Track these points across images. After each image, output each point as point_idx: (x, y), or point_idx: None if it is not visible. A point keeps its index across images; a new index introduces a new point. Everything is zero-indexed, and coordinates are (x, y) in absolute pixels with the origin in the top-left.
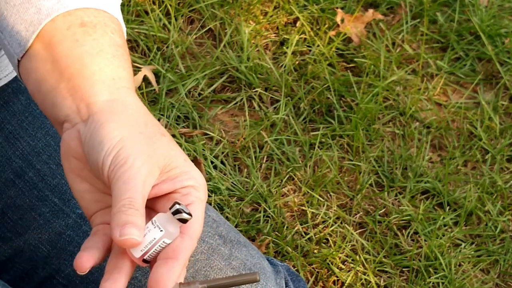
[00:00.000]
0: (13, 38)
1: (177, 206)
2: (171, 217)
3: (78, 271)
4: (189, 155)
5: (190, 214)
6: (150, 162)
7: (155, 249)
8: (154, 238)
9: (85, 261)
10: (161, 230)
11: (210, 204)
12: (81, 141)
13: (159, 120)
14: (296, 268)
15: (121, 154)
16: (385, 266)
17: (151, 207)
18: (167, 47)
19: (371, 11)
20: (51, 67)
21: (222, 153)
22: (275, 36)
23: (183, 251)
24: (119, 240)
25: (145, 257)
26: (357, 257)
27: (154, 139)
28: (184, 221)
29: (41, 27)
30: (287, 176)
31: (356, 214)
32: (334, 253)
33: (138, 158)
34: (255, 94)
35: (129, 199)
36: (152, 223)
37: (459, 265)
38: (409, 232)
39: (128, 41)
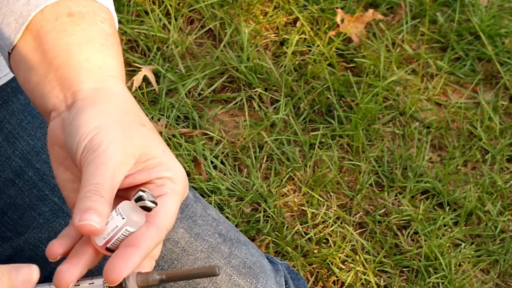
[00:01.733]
0: (3, 30)
1: (139, 193)
2: (135, 205)
3: (49, 258)
4: (189, 155)
5: (154, 203)
6: (124, 150)
7: (118, 238)
8: (116, 226)
9: (56, 247)
10: (123, 218)
11: (210, 203)
12: (63, 129)
13: (159, 120)
14: (296, 268)
15: (94, 140)
16: (385, 266)
17: (126, 198)
18: (167, 47)
19: (371, 11)
20: (39, 58)
21: (222, 153)
22: (275, 36)
23: (146, 239)
24: (77, 226)
25: (108, 245)
26: (357, 257)
27: (132, 128)
28: (147, 209)
29: (30, 18)
30: (287, 176)
31: (356, 214)
32: (334, 253)
33: (112, 144)
34: (255, 94)
35: (96, 185)
36: (116, 211)
37: (459, 265)
38: (409, 232)
39: (128, 41)
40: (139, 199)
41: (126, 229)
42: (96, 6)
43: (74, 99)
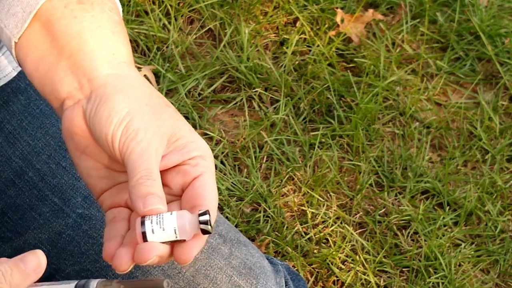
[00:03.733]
0: (10, 20)
1: (206, 217)
2: (195, 220)
3: (117, 268)
4: None
5: (212, 228)
6: (159, 133)
7: (163, 239)
8: (168, 238)
9: (112, 245)
10: (175, 230)
11: None
12: (85, 117)
13: None
14: (296, 268)
15: (130, 127)
16: (385, 266)
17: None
18: (167, 47)
19: (371, 11)
20: (50, 45)
21: (222, 153)
22: (275, 36)
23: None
24: (144, 212)
25: (147, 238)
26: (357, 257)
27: (160, 110)
28: (204, 232)
29: (38, 6)
30: (287, 176)
31: (356, 214)
32: (334, 253)
33: (148, 130)
34: (255, 94)
35: (145, 170)
36: (174, 218)
37: (459, 265)
38: (409, 232)
39: None
40: (205, 222)
41: (176, 238)
42: None
43: (92, 86)
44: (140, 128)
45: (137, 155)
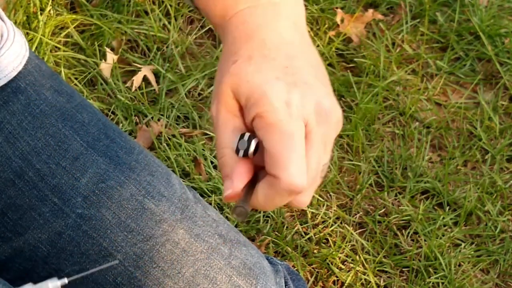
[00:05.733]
0: None
1: None
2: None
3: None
4: (189, 155)
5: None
6: None
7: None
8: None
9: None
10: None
11: (210, 204)
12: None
13: (159, 120)
14: (296, 268)
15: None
16: (385, 266)
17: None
18: (167, 47)
19: (371, 11)
20: None
21: None
22: None
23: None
24: None
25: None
26: (357, 257)
27: None
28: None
29: None
30: None
31: (356, 214)
32: (334, 253)
33: None
34: None
35: None
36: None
37: (459, 265)
38: (409, 232)
39: (128, 41)
40: None
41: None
42: None
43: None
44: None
45: None
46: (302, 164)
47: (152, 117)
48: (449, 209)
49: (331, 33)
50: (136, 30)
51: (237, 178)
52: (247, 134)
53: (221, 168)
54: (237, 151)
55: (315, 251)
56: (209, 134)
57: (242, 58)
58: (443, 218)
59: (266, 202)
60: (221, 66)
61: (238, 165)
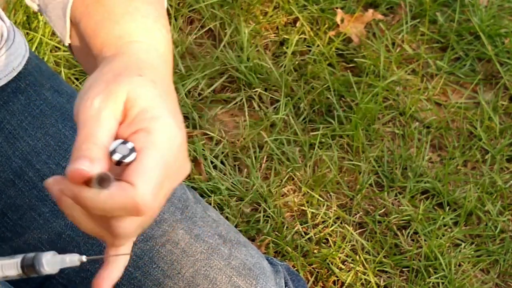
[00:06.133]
0: None
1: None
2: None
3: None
4: (189, 155)
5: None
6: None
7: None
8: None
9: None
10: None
11: (210, 204)
12: None
13: None
14: (296, 268)
15: None
16: (385, 266)
17: None
18: None
19: (371, 11)
20: None
21: (222, 153)
22: (275, 36)
23: None
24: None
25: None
26: (357, 257)
27: None
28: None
29: None
30: (287, 176)
31: (356, 214)
32: (334, 253)
33: None
34: (255, 94)
35: None
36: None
37: (459, 265)
38: (409, 232)
39: None
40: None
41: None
42: None
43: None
44: None
45: None
46: (160, 193)
47: None
48: (449, 209)
49: (331, 33)
50: None
51: (99, 165)
52: (131, 143)
53: (78, 154)
54: (112, 153)
55: (315, 251)
56: (209, 134)
57: (147, 77)
58: (443, 218)
59: (106, 202)
60: (115, 67)
61: (105, 161)
